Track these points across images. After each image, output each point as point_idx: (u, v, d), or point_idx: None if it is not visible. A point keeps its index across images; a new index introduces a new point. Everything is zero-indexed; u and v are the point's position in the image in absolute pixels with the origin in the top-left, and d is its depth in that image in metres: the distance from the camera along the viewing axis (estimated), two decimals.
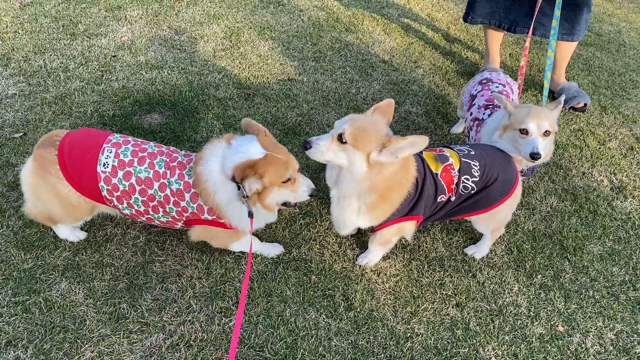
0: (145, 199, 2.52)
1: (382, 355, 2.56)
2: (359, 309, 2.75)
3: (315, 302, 2.75)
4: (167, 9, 5.30)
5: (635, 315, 2.87)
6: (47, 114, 3.79)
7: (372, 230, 2.73)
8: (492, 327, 2.74)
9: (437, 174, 2.61)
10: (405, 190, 2.52)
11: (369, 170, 2.35)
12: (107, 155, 2.48)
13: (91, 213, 2.69)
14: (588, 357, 2.65)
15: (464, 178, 2.64)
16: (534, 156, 2.69)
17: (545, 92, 3.46)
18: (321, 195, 3.34)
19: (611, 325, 2.81)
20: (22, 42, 4.54)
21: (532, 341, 2.69)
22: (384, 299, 2.81)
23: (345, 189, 2.47)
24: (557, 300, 2.91)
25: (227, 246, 2.79)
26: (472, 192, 2.69)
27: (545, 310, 2.86)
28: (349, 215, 2.61)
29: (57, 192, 2.51)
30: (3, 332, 2.48)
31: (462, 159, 2.66)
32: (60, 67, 4.29)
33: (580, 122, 4.33)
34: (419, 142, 2.23)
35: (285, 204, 2.63)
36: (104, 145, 2.51)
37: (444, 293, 2.88)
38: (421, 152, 2.69)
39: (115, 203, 2.55)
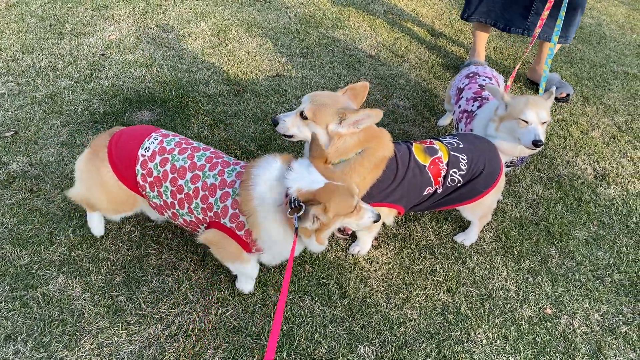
0: (174, 189, 2.42)
1: (377, 340, 2.62)
2: (352, 297, 2.81)
3: (310, 291, 2.80)
4: (154, 7, 5.32)
5: (619, 297, 2.97)
6: (38, 112, 3.80)
7: None
8: (482, 311, 2.81)
9: (425, 166, 2.67)
10: (367, 174, 2.56)
11: (329, 142, 2.50)
12: (152, 142, 2.48)
13: (131, 208, 2.67)
14: (575, 337, 2.74)
15: (452, 171, 2.71)
16: (537, 143, 2.76)
17: (542, 87, 3.54)
18: None
19: (597, 307, 2.90)
20: (9, 42, 4.53)
21: (522, 323, 2.77)
22: (377, 287, 2.88)
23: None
24: (544, 284, 2.99)
25: (227, 261, 2.56)
26: (459, 185, 2.76)
27: (534, 293, 2.94)
28: None
29: (100, 175, 2.51)
30: (2, 327, 2.50)
31: (451, 153, 2.73)
32: (49, 66, 4.30)
33: (563, 112, 4.44)
34: (374, 114, 2.41)
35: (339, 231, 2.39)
36: (153, 133, 2.53)
37: (435, 279, 2.95)
38: (411, 144, 2.75)
39: (147, 190, 2.48)
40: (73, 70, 4.28)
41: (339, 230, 2.34)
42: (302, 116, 2.52)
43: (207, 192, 2.38)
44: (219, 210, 2.35)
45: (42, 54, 4.42)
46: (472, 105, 3.26)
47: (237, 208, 2.32)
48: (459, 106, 3.39)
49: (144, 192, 2.52)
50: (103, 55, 4.51)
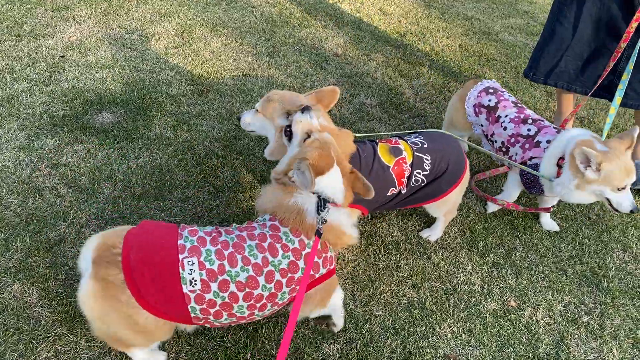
0: (252, 302, 2.12)
1: (342, 338, 2.61)
2: None
3: None
4: (116, 8, 5.23)
5: (582, 287, 3.01)
6: None
7: None
8: (447, 306, 2.82)
9: (389, 167, 2.67)
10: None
11: (277, 135, 2.57)
12: (191, 270, 2.03)
13: (171, 333, 2.29)
14: (539, 328, 2.76)
15: (416, 172, 2.71)
16: (634, 211, 2.83)
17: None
18: None
19: (560, 298, 2.94)
20: None
21: (486, 317, 2.79)
22: (343, 284, 2.86)
23: (266, 155, 2.69)
24: (509, 277, 3.02)
25: (327, 300, 2.41)
26: (423, 184, 2.76)
27: (498, 287, 2.96)
28: None
29: (133, 320, 2.07)
30: None
31: (415, 153, 2.73)
32: (5, 68, 4.18)
33: (530, 106, 4.48)
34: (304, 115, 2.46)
35: None
36: (181, 256, 2.05)
37: (401, 275, 2.95)
38: (376, 144, 2.75)
39: (211, 319, 2.13)
40: (31, 72, 4.18)
41: None
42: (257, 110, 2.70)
43: (290, 274, 2.17)
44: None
45: None
46: (528, 130, 3.10)
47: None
48: (505, 129, 3.19)
49: (201, 322, 2.17)
50: (63, 57, 4.41)
